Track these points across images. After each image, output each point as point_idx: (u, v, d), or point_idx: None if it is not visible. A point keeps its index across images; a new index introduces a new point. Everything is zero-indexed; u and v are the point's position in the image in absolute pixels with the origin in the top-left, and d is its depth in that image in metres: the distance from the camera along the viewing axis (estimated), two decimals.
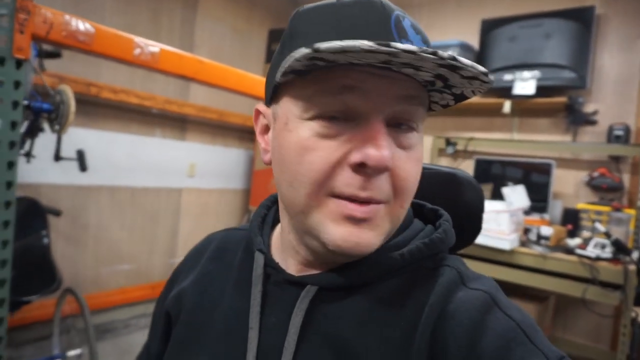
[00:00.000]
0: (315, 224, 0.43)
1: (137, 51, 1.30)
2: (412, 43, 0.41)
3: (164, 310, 0.58)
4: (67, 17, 1.13)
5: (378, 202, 0.42)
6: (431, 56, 0.34)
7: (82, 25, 1.16)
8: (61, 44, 1.14)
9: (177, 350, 0.54)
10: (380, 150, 0.39)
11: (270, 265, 0.50)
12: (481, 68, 0.36)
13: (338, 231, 0.42)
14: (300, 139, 0.42)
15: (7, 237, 1.08)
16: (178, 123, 2.98)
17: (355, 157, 0.40)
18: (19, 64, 1.05)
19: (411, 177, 0.43)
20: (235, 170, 3.45)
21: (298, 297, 0.46)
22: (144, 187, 2.80)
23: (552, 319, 2.48)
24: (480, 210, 0.61)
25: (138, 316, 2.78)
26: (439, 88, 0.42)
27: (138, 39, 1.30)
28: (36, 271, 1.69)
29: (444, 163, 3.02)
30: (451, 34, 2.97)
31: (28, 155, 1.63)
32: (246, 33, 3.41)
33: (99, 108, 2.51)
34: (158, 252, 2.94)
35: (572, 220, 2.35)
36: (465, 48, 2.70)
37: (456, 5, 3.01)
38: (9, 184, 1.04)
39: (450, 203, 0.57)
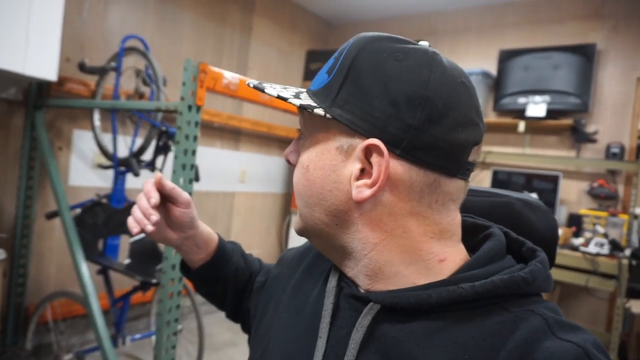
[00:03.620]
0: None
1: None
2: None
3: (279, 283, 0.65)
4: (226, 74, 1.55)
5: None
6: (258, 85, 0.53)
7: (232, 78, 1.58)
8: (221, 93, 1.57)
9: (261, 337, 0.60)
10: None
11: (344, 279, 0.52)
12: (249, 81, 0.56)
13: None
14: None
15: None
16: (233, 135, 3.40)
17: None
18: (198, 108, 1.48)
19: (295, 177, 0.51)
20: (277, 176, 3.89)
21: (361, 313, 0.46)
22: (207, 192, 3.23)
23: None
24: (554, 241, 0.55)
25: (204, 302, 3.20)
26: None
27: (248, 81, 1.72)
28: (152, 260, 2.12)
29: None
30: (472, 61, 3.42)
31: (152, 166, 2.06)
32: (288, 54, 3.84)
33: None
34: None
35: (576, 223, 2.82)
36: (485, 75, 3.15)
37: (477, 35, 3.45)
38: (190, 181, 1.47)
39: (519, 233, 0.52)
